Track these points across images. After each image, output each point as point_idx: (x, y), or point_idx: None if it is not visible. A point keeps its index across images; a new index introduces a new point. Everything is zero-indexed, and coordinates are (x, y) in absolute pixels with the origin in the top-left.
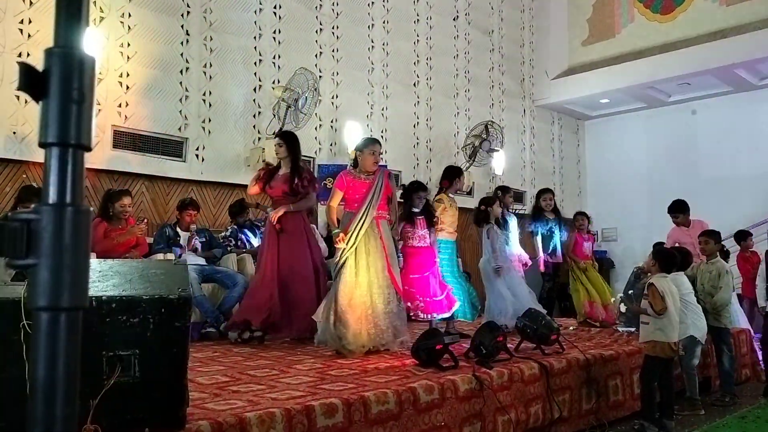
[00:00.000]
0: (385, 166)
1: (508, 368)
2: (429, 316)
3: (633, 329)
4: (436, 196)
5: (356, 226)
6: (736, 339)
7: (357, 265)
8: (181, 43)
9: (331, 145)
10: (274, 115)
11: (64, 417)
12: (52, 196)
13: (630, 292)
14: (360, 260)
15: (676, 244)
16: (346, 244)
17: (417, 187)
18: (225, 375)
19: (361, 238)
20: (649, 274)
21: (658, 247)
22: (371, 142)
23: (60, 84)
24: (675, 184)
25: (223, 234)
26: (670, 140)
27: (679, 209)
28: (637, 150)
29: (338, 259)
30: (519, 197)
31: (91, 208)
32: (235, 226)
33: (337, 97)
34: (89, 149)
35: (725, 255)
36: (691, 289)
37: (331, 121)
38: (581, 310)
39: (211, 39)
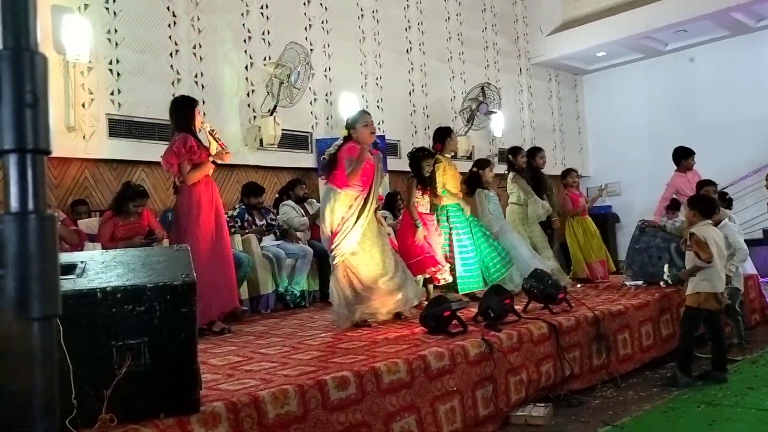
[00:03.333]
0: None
1: (516, 330)
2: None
3: (640, 282)
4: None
5: (367, 210)
6: (745, 284)
7: (366, 244)
8: (169, 25)
9: (327, 118)
10: (268, 93)
11: (43, 428)
12: (14, 205)
13: (637, 246)
14: (367, 239)
15: (678, 192)
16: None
17: (427, 154)
18: (237, 355)
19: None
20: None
21: (692, 195)
22: (361, 115)
23: (11, 88)
24: (676, 134)
25: (229, 214)
26: (670, 89)
27: (684, 155)
28: (637, 102)
29: (338, 242)
30: None
31: (88, 207)
32: (243, 206)
33: (330, 69)
34: (48, 153)
35: (728, 202)
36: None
37: (326, 95)
38: (580, 269)
39: (199, 19)
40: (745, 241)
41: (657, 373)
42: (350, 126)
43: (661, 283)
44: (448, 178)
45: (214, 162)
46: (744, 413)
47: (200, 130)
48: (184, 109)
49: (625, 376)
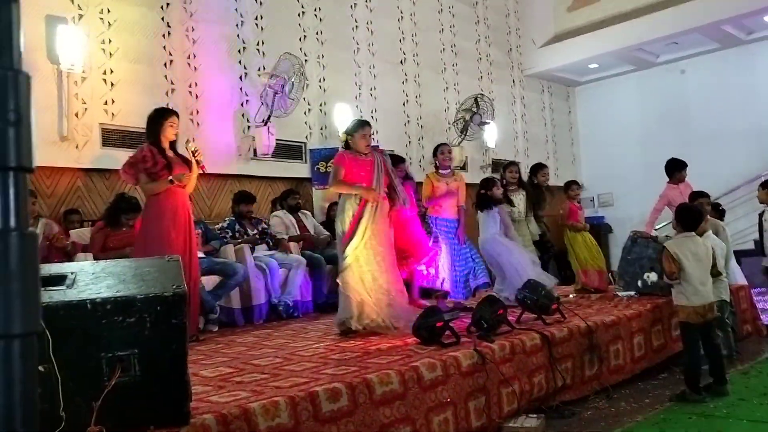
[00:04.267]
0: (377, 146)
1: (509, 340)
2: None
3: (633, 293)
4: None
5: (367, 207)
6: (736, 295)
7: (367, 245)
8: (163, 35)
9: (321, 128)
10: (262, 103)
11: None
12: None
13: (629, 257)
14: (370, 240)
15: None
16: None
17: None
18: (228, 366)
19: (371, 218)
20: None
21: (679, 205)
22: (361, 125)
23: None
24: (668, 145)
25: (219, 225)
26: (661, 101)
27: (677, 168)
28: (629, 113)
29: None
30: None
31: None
32: (234, 217)
33: (324, 80)
34: (31, 171)
35: (721, 213)
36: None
37: (320, 105)
38: (578, 278)
39: (193, 30)
40: (737, 251)
41: (648, 383)
42: (349, 132)
43: (639, 282)
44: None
45: (171, 182)
46: (735, 424)
47: (186, 143)
48: (154, 120)
49: (617, 387)
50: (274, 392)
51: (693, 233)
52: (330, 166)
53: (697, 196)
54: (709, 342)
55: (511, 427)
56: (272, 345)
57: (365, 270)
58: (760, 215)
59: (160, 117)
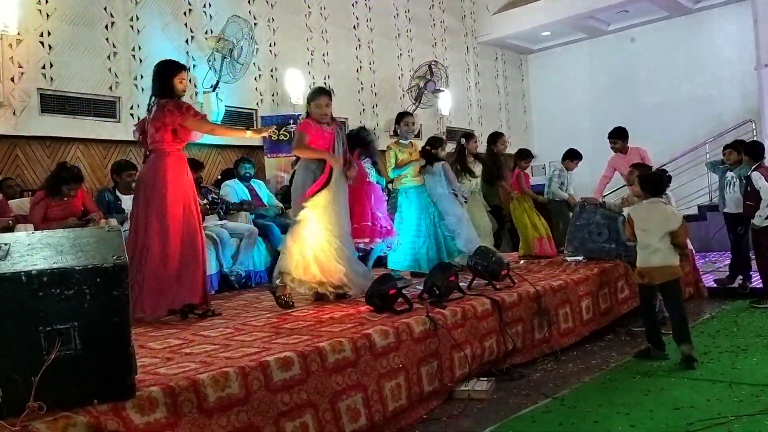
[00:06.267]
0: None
1: (461, 306)
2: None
3: (581, 258)
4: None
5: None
6: None
7: (326, 210)
8: None
9: (273, 95)
10: (210, 67)
11: None
12: None
13: (577, 223)
14: (329, 207)
15: (615, 172)
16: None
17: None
18: (177, 338)
19: (334, 185)
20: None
21: (643, 172)
22: (316, 95)
23: None
24: (617, 113)
25: None
26: (612, 69)
27: (615, 135)
28: (580, 81)
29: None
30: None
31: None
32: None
33: (275, 44)
34: None
35: (667, 180)
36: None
37: (271, 71)
38: (532, 246)
39: None
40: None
41: (596, 345)
42: (308, 100)
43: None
44: (394, 161)
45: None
46: (677, 383)
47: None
48: (162, 75)
49: (566, 350)
50: (224, 363)
51: (655, 198)
52: (282, 134)
53: (638, 167)
54: (668, 301)
55: (462, 391)
56: (223, 315)
57: (319, 233)
58: (722, 177)
59: (169, 73)
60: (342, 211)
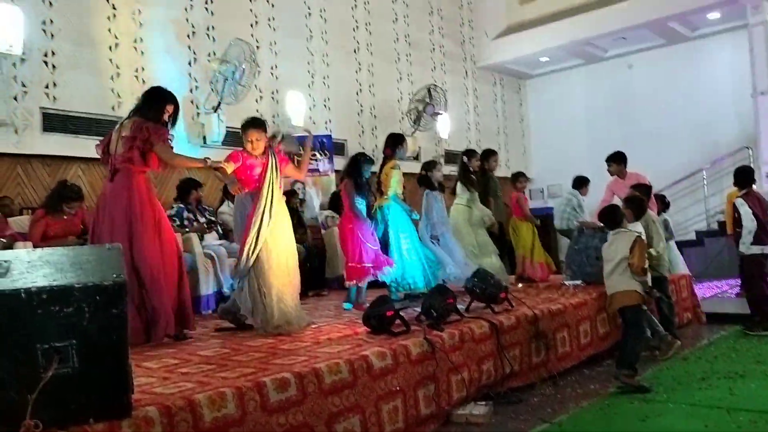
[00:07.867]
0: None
1: (459, 329)
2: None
3: (579, 282)
4: (385, 164)
5: (263, 209)
6: (677, 284)
7: (275, 244)
8: (108, 17)
9: (273, 116)
10: (212, 89)
11: None
12: None
13: (576, 247)
14: (277, 240)
15: (614, 196)
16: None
17: (368, 159)
18: (174, 357)
19: (273, 218)
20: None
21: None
22: (245, 128)
23: None
24: (614, 138)
25: (168, 213)
26: (609, 95)
27: (610, 158)
28: (577, 106)
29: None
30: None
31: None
32: (182, 205)
33: (276, 67)
34: None
35: (666, 206)
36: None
37: (272, 93)
38: (519, 266)
39: (140, 12)
40: (679, 242)
41: (594, 370)
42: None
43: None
44: (396, 182)
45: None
46: (675, 408)
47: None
48: (155, 101)
49: (564, 374)
50: (221, 383)
51: (619, 229)
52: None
53: (637, 188)
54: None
55: (460, 414)
56: (220, 336)
57: (274, 260)
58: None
59: (164, 101)
60: (287, 240)
